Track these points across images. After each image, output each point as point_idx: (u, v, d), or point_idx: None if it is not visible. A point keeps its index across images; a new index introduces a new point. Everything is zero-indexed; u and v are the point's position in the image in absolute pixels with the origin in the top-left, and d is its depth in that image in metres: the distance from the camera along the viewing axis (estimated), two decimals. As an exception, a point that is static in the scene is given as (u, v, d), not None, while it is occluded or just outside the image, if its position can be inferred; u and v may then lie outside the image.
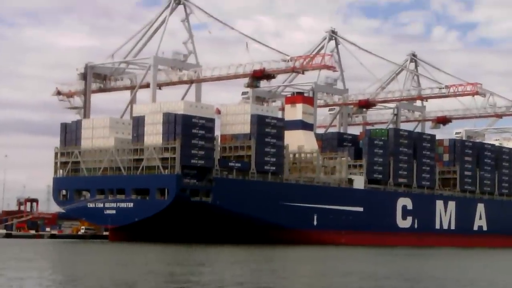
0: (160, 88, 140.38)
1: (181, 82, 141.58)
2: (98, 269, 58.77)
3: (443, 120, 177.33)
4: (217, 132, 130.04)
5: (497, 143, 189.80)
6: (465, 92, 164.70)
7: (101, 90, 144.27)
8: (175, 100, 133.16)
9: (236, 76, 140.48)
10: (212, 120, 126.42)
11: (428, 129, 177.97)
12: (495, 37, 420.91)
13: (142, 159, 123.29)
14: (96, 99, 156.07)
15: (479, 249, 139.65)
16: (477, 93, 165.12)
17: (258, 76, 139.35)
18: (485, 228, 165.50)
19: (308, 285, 47.75)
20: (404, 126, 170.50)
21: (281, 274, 56.97)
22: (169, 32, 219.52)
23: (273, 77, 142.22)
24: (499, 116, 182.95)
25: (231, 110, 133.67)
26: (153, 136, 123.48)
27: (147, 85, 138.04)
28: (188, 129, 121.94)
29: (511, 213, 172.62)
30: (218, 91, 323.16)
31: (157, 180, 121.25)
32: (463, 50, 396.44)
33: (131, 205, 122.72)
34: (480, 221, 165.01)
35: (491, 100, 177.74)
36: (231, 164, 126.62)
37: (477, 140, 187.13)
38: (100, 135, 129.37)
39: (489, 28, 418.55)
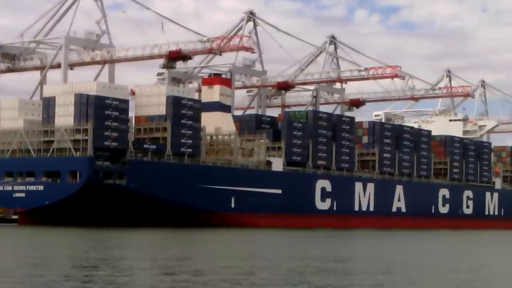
0: (72, 69, 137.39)
1: (93, 62, 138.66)
2: (6, 253, 56.76)
3: (357, 103, 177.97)
4: (132, 114, 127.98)
5: (416, 126, 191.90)
6: (385, 75, 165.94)
7: (9, 70, 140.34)
8: (87, 81, 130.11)
9: (151, 57, 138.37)
10: (126, 101, 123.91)
11: (348, 112, 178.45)
12: (417, 21, 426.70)
13: (52, 141, 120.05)
14: (5, 79, 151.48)
15: (398, 231, 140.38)
16: (396, 76, 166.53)
17: (174, 57, 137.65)
18: (403, 210, 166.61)
19: (228, 269, 46.09)
20: (323, 108, 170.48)
21: (198, 257, 55.31)
22: (83, 11, 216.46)
23: (190, 58, 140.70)
24: (415, 99, 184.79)
25: (146, 91, 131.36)
26: (64, 117, 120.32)
27: (58, 66, 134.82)
28: (101, 110, 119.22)
29: (429, 195, 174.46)
30: (133, 72, 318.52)
31: (69, 163, 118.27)
32: (385, 34, 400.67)
33: (41, 188, 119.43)
34: (398, 203, 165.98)
35: (410, 83, 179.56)
36: (146, 146, 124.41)
37: (396, 123, 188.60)
38: (8, 116, 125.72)
39: (411, 12, 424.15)
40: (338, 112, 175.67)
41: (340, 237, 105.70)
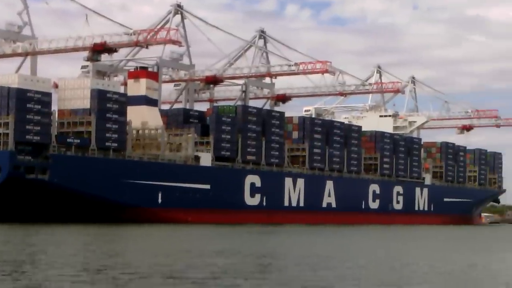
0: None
1: (15, 54, 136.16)
2: None
3: (283, 98, 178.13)
4: (55, 107, 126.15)
5: (346, 121, 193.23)
6: (315, 70, 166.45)
7: None
8: (8, 73, 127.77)
9: (75, 49, 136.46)
10: (48, 94, 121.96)
11: (275, 107, 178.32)
12: (348, 16, 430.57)
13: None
14: None
15: (328, 226, 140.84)
16: (326, 71, 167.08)
17: (99, 49, 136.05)
18: (334, 205, 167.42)
19: (153, 265, 45.31)
20: (252, 103, 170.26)
21: (123, 253, 54.39)
22: (4, 2, 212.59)
23: (115, 50, 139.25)
24: (343, 94, 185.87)
25: (69, 84, 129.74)
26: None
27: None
28: (22, 103, 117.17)
29: (359, 191, 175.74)
30: (57, 65, 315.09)
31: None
32: (316, 29, 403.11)
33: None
34: (329, 198, 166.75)
35: (340, 79, 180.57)
36: (69, 140, 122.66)
37: (327, 118, 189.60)
38: None
39: (343, 7, 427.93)
40: (267, 107, 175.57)
41: (269, 232, 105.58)
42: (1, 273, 37.68)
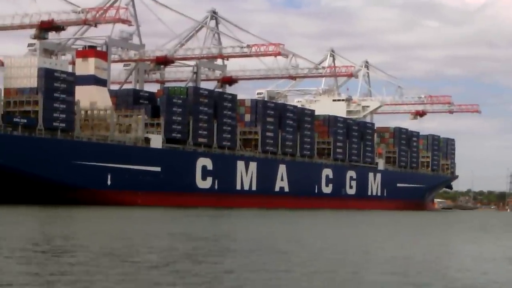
0: None
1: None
2: None
3: (229, 80, 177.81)
4: (1, 86, 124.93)
5: (299, 105, 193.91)
6: (268, 52, 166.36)
7: None
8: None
9: (21, 27, 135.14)
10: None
11: (230, 89, 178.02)
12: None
13: None
14: None
15: (280, 210, 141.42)
16: (279, 54, 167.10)
17: (46, 27, 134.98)
18: (286, 189, 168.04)
19: (105, 247, 44.98)
20: (204, 85, 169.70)
21: (74, 236, 53.92)
22: None
23: (63, 29, 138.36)
24: (293, 78, 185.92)
25: (16, 63, 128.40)
26: None
27: None
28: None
29: (312, 175, 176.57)
30: (3, 43, 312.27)
31: None
32: (269, 11, 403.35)
33: None
34: (281, 182, 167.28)
35: (293, 62, 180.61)
36: (16, 119, 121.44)
37: (279, 101, 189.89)
38: None
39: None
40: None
41: (220, 216, 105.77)
42: None
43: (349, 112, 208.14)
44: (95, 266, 33.57)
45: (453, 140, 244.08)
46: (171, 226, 71.10)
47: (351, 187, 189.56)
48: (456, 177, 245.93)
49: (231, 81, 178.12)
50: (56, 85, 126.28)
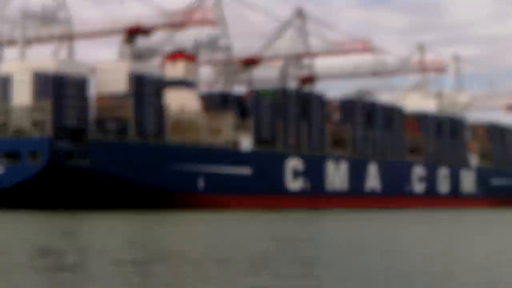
0: (28, 45, 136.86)
1: (51, 38, 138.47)
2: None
3: (308, 80, 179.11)
4: (92, 92, 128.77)
5: (388, 102, 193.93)
6: (355, 49, 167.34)
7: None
8: (45, 58, 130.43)
9: (111, 32, 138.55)
10: (86, 79, 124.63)
11: (319, 88, 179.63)
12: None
13: (10, 121, 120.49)
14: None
15: (373, 210, 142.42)
16: (367, 50, 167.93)
17: (134, 32, 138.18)
18: (377, 189, 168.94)
19: (203, 251, 47.00)
20: (291, 84, 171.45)
21: (170, 238, 56.23)
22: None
23: (150, 33, 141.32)
24: (380, 74, 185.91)
25: (107, 68, 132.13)
26: (22, 96, 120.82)
27: (14, 42, 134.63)
28: (60, 88, 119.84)
29: (402, 173, 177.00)
30: (93, 48, 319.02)
31: (28, 144, 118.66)
32: (357, 7, 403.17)
33: (1, 170, 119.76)
34: (372, 182, 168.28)
35: (381, 58, 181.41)
36: (108, 125, 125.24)
37: (368, 99, 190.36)
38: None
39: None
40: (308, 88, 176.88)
41: (314, 217, 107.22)
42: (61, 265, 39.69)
43: (439, 108, 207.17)
44: (199, 270, 34.10)
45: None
46: (268, 228, 72.21)
47: (443, 185, 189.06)
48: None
49: (311, 80, 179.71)
50: (146, 90, 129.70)
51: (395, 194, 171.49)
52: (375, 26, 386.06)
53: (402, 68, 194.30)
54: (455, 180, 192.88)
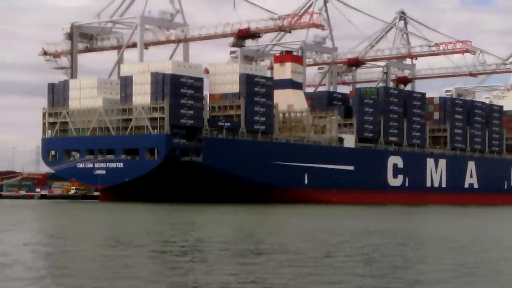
0: (146, 48, 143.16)
1: (168, 41, 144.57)
2: (94, 229, 62.21)
3: (404, 80, 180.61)
4: (206, 92, 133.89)
5: (487, 101, 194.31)
6: (455, 50, 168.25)
7: (87, 50, 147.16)
8: (163, 60, 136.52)
9: (223, 35, 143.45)
10: (200, 80, 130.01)
11: (420, 87, 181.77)
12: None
13: (130, 119, 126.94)
14: (83, 59, 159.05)
15: (471, 207, 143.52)
16: (467, 51, 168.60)
17: (243, 35, 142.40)
18: (476, 186, 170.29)
19: (306, 243, 49.89)
20: (391, 84, 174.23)
21: (277, 231, 58.74)
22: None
23: (259, 36, 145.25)
24: (475, 75, 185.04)
25: (219, 70, 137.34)
26: (142, 96, 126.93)
27: (134, 45, 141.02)
28: (176, 88, 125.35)
29: (501, 171, 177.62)
30: (207, 50, 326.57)
31: (147, 140, 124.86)
32: (459, 9, 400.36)
33: (121, 165, 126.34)
34: (471, 179, 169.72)
35: (481, 58, 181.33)
36: (220, 123, 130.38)
37: (467, 98, 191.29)
38: (88, 95, 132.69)
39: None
40: (409, 88, 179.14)
41: (416, 213, 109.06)
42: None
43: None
44: (310, 262, 34.66)
45: None
46: (375, 222, 72.81)
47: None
48: None
49: (406, 80, 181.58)
50: (256, 90, 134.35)
51: (494, 191, 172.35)
52: (476, 28, 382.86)
53: (501, 68, 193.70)
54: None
